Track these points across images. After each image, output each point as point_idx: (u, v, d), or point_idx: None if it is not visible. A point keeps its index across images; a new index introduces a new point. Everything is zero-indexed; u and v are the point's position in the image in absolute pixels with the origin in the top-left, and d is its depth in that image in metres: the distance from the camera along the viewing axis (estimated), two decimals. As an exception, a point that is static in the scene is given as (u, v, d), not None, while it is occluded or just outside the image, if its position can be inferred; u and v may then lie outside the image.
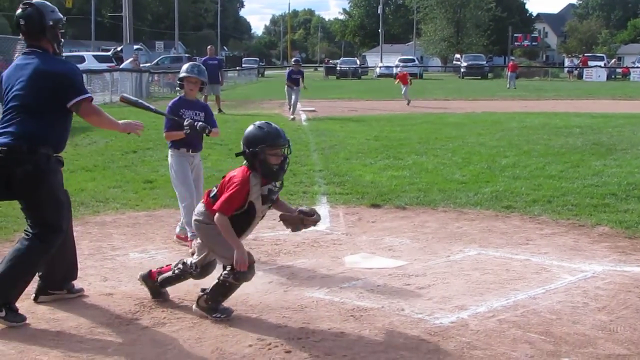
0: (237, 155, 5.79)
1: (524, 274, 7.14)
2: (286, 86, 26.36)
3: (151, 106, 7.65)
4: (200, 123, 7.80)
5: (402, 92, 33.85)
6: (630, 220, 9.28)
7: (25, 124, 5.64)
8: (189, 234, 8.02)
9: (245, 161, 5.73)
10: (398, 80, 35.45)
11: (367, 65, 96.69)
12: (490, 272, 7.18)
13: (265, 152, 5.61)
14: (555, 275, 7.11)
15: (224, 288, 5.76)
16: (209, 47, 28.78)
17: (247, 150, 5.67)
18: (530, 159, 14.59)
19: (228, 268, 5.70)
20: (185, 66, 8.23)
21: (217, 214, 5.59)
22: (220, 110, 26.58)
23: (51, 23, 5.89)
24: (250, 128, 5.71)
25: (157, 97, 39.08)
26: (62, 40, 6.06)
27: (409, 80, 34.56)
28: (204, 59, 28.84)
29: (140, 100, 7.67)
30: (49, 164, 5.71)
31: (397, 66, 78.48)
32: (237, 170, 5.74)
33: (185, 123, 7.72)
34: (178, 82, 8.20)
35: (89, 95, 5.87)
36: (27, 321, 5.68)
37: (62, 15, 6.11)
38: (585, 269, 7.31)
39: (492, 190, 11.29)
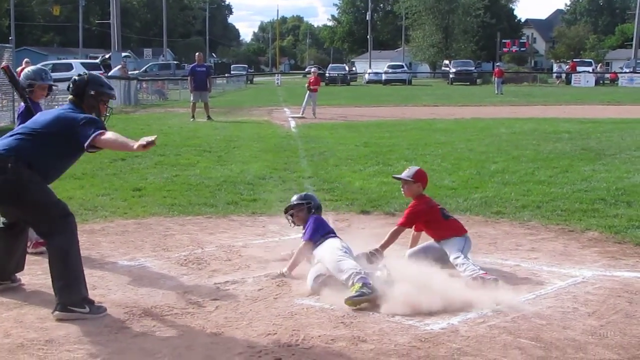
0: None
1: (514, 279, 7.14)
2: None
3: (23, 93, 8.08)
4: None
5: (311, 100, 29.47)
6: (619, 225, 9.30)
7: (21, 142, 6.07)
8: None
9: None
10: (310, 85, 30.08)
11: (356, 72, 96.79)
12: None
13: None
14: (545, 280, 7.12)
15: None
16: (197, 54, 28.72)
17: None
18: (520, 165, 14.62)
19: None
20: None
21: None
22: (209, 117, 26.56)
23: (92, 93, 6.39)
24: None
25: (145, 104, 39.04)
26: (107, 114, 6.65)
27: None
28: (192, 66, 28.78)
29: (18, 80, 8.23)
30: (31, 175, 6.01)
31: (385, 72, 78.77)
32: None
33: None
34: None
35: (96, 133, 6.02)
36: (18, 329, 5.69)
37: (111, 92, 6.68)
38: (575, 274, 7.32)
39: (482, 196, 11.30)
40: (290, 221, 7.78)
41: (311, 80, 30.38)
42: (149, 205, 10.72)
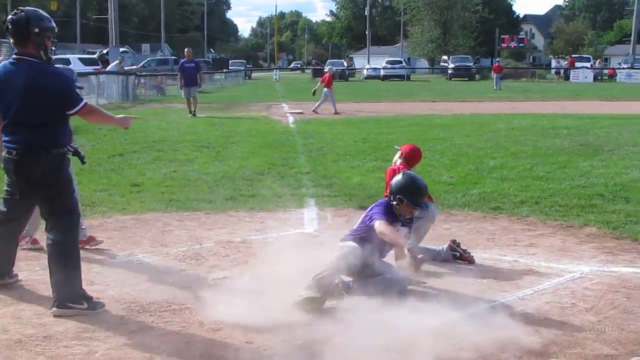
0: None
1: (512, 275, 7.15)
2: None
3: None
4: None
5: (328, 97, 29.73)
6: (617, 221, 9.31)
7: (33, 135, 5.95)
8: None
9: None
10: (323, 83, 30.77)
11: (355, 67, 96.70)
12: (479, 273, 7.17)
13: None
14: (544, 276, 7.12)
15: None
16: (186, 50, 28.59)
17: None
18: (518, 160, 14.62)
19: None
20: None
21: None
22: (192, 113, 26.33)
23: (37, 30, 5.96)
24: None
25: (143, 99, 38.99)
26: (53, 48, 6.22)
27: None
28: (181, 61, 28.76)
29: None
30: (62, 162, 6.09)
31: (384, 68, 78.70)
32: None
33: None
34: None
35: (84, 102, 6.08)
36: (16, 326, 5.69)
37: (52, 25, 6.20)
38: (573, 269, 7.33)
39: (480, 192, 11.30)
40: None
41: (325, 78, 30.79)
42: (147, 201, 10.71)
